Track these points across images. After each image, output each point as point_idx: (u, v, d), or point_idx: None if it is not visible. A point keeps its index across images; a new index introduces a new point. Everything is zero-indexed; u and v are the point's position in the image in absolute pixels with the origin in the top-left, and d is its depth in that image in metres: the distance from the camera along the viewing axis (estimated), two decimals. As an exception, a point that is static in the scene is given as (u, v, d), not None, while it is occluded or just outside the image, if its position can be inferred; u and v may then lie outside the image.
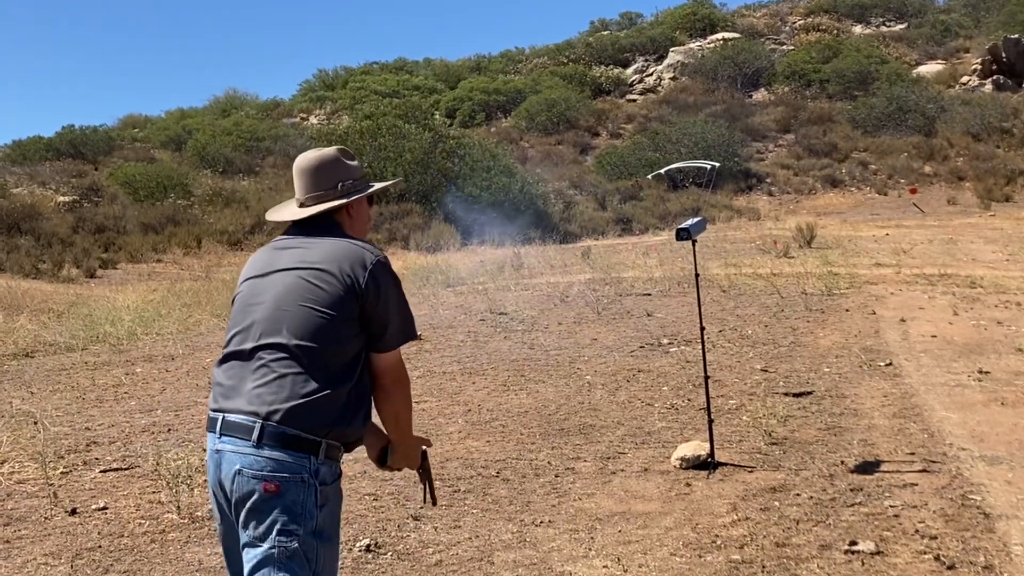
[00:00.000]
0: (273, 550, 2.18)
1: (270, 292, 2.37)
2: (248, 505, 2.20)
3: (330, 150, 2.61)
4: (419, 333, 9.85)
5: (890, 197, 30.92)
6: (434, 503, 2.68)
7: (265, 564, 2.18)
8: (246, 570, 2.23)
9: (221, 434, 2.27)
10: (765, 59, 45.19)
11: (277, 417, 2.22)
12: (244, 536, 2.23)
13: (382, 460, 2.53)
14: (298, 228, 2.52)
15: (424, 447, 2.59)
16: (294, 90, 56.45)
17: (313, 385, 2.25)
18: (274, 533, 2.18)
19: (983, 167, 31.70)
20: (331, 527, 2.29)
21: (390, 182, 2.93)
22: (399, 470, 2.58)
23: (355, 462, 5.23)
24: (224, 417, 2.28)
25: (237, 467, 2.22)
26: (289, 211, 2.59)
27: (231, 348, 2.37)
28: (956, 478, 4.59)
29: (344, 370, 2.31)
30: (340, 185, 2.54)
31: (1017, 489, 4.41)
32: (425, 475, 2.61)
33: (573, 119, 41.61)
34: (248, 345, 2.32)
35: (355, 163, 2.62)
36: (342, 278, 2.33)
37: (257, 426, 2.21)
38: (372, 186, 2.64)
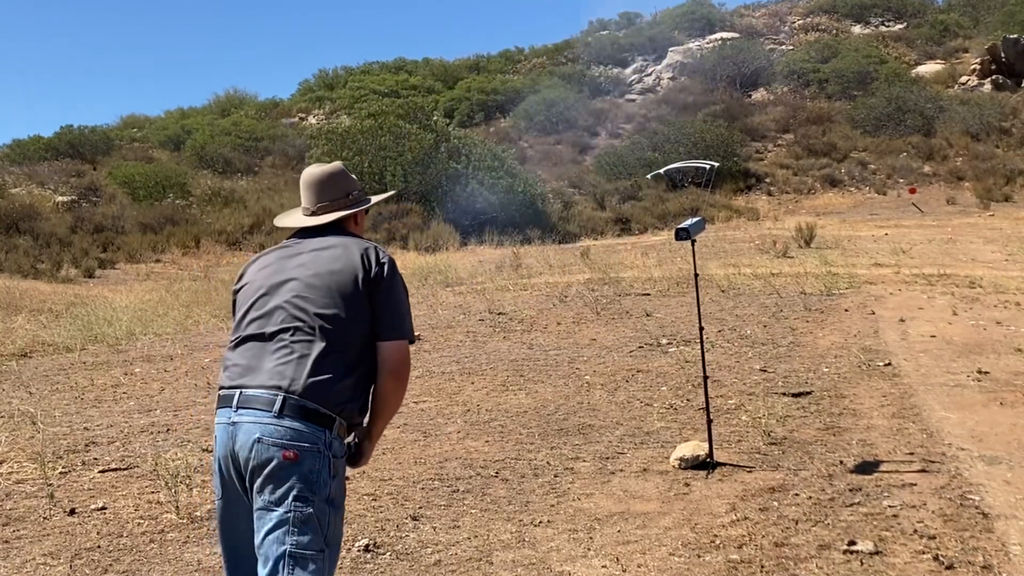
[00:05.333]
0: (289, 514, 2.31)
1: (289, 283, 2.54)
2: (266, 471, 2.33)
3: (336, 164, 2.84)
4: (417, 334, 9.90)
5: (889, 197, 30.94)
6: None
7: (280, 527, 2.31)
8: (260, 534, 2.34)
9: (238, 407, 2.40)
10: (764, 59, 45.22)
11: (298, 391, 2.37)
12: (259, 501, 2.35)
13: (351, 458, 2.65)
14: (305, 233, 2.72)
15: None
16: (293, 89, 56.40)
17: (331, 365, 2.42)
18: (290, 499, 2.32)
19: (982, 167, 31.73)
20: (340, 496, 2.44)
21: (391, 193, 3.49)
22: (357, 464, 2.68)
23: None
24: (242, 392, 2.41)
25: (256, 436, 2.35)
26: (299, 219, 2.78)
27: (248, 331, 2.52)
28: (955, 478, 4.59)
29: (358, 355, 2.49)
30: (349, 195, 2.78)
31: (1016, 489, 4.41)
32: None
33: (572, 119, 41.61)
34: (269, 329, 2.49)
35: (353, 176, 2.86)
36: (358, 266, 2.53)
37: (279, 398, 2.36)
38: (378, 196, 2.94)
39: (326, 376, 2.41)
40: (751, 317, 9.72)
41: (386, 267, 2.56)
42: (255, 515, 2.37)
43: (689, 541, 3.96)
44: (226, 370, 2.52)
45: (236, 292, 2.68)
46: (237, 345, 2.54)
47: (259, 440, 2.34)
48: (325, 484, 2.36)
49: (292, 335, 2.46)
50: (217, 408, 2.50)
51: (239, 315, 2.60)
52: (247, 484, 2.39)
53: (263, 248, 16.18)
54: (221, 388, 2.50)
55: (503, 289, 13.57)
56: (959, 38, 45.10)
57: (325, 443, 2.38)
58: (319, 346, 2.44)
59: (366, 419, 2.59)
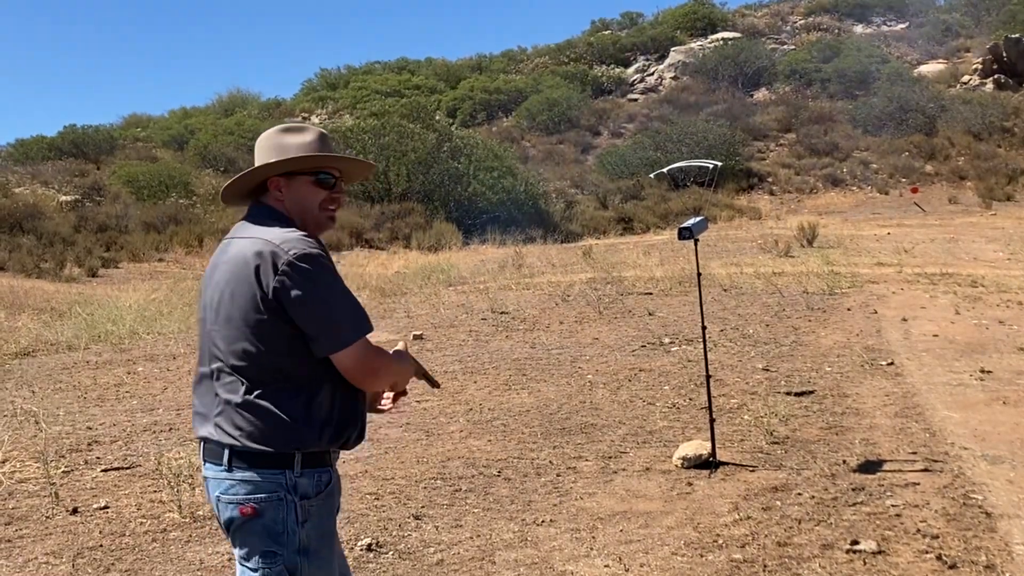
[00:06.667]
0: (257, 571, 2.13)
1: (209, 308, 2.21)
2: (231, 528, 2.16)
3: (273, 128, 2.36)
4: (420, 333, 9.90)
5: (891, 196, 30.91)
6: (438, 386, 2.59)
7: None
8: None
9: (204, 460, 2.21)
10: (766, 58, 45.20)
11: (239, 439, 2.12)
12: (235, 552, 2.19)
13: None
14: (247, 214, 2.30)
15: (403, 350, 2.41)
16: (296, 89, 56.49)
17: (265, 402, 2.11)
18: (257, 555, 2.13)
19: (984, 166, 31.70)
20: (318, 541, 2.18)
21: (292, 156, 2.30)
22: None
23: (355, 462, 5.24)
24: (203, 443, 2.21)
25: (216, 494, 2.16)
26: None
27: (199, 369, 2.26)
28: (958, 477, 4.58)
29: (292, 384, 2.14)
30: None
31: (1019, 488, 4.40)
32: (419, 372, 2.47)
33: (574, 118, 41.62)
34: (204, 369, 2.22)
35: (298, 139, 2.29)
36: (254, 285, 2.09)
37: (226, 450, 2.13)
38: (279, 161, 2.26)
39: (262, 416, 2.10)
40: (753, 316, 9.71)
41: (288, 277, 2.07)
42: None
43: (692, 540, 3.96)
44: (193, 411, 2.30)
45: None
46: (196, 381, 2.28)
47: (219, 499, 2.16)
48: (293, 533, 2.12)
49: (218, 379, 2.16)
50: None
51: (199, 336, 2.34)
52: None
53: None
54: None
55: (505, 288, 13.57)
56: (961, 38, 45.06)
57: (287, 487, 2.12)
58: (243, 387, 2.12)
59: (366, 422, 2.30)
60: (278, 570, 2.12)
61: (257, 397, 2.12)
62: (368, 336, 2.20)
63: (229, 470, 2.13)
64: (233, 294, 2.13)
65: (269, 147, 2.29)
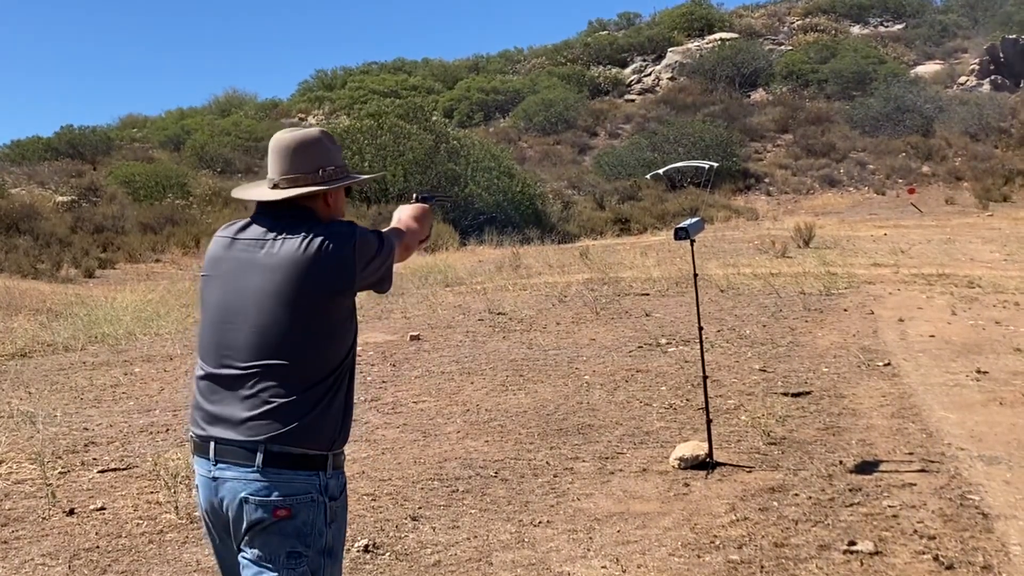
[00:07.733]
0: (278, 572, 2.12)
1: (248, 310, 2.19)
2: (255, 529, 2.13)
3: (313, 130, 2.39)
4: (417, 334, 9.90)
5: (888, 197, 30.98)
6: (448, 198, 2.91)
7: None
8: None
9: (217, 461, 2.16)
10: (763, 59, 45.30)
11: (280, 438, 2.12)
12: (248, 552, 2.15)
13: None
14: (267, 213, 2.29)
15: (415, 206, 2.70)
16: (293, 90, 56.48)
17: (310, 405, 2.15)
18: (284, 556, 2.11)
19: (981, 167, 31.80)
20: (339, 543, 2.22)
21: (376, 174, 2.90)
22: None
23: (353, 462, 5.23)
24: (217, 443, 2.16)
25: (243, 495, 2.12)
26: (260, 191, 2.36)
27: (211, 369, 2.23)
28: (954, 478, 4.59)
29: (335, 380, 2.21)
30: (321, 171, 2.32)
31: (1015, 489, 4.41)
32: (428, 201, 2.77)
33: (571, 119, 41.67)
34: (230, 370, 2.19)
35: (338, 148, 2.42)
36: (325, 284, 2.17)
37: (260, 450, 2.11)
38: (357, 176, 2.45)
39: (305, 419, 2.13)
40: (750, 317, 9.72)
41: (355, 256, 2.20)
42: (240, 561, 2.17)
43: (689, 541, 3.96)
44: (196, 409, 2.24)
45: (203, 278, 2.34)
46: (201, 380, 2.24)
47: (246, 500, 2.11)
48: (321, 534, 2.14)
49: (260, 381, 2.15)
50: (193, 454, 2.23)
51: (202, 336, 2.29)
52: (233, 535, 2.18)
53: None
54: (194, 432, 2.23)
55: (502, 289, 13.57)
56: (958, 38, 45.19)
57: (320, 488, 2.14)
58: (290, 389, 2.13)
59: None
60: (302, 571, 2.12)
61: (312, 398, 2.16)
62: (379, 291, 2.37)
63: (262, 471, 2.11)
64: (299, 291, 2.16)
65: (319, 153, 2.35)
